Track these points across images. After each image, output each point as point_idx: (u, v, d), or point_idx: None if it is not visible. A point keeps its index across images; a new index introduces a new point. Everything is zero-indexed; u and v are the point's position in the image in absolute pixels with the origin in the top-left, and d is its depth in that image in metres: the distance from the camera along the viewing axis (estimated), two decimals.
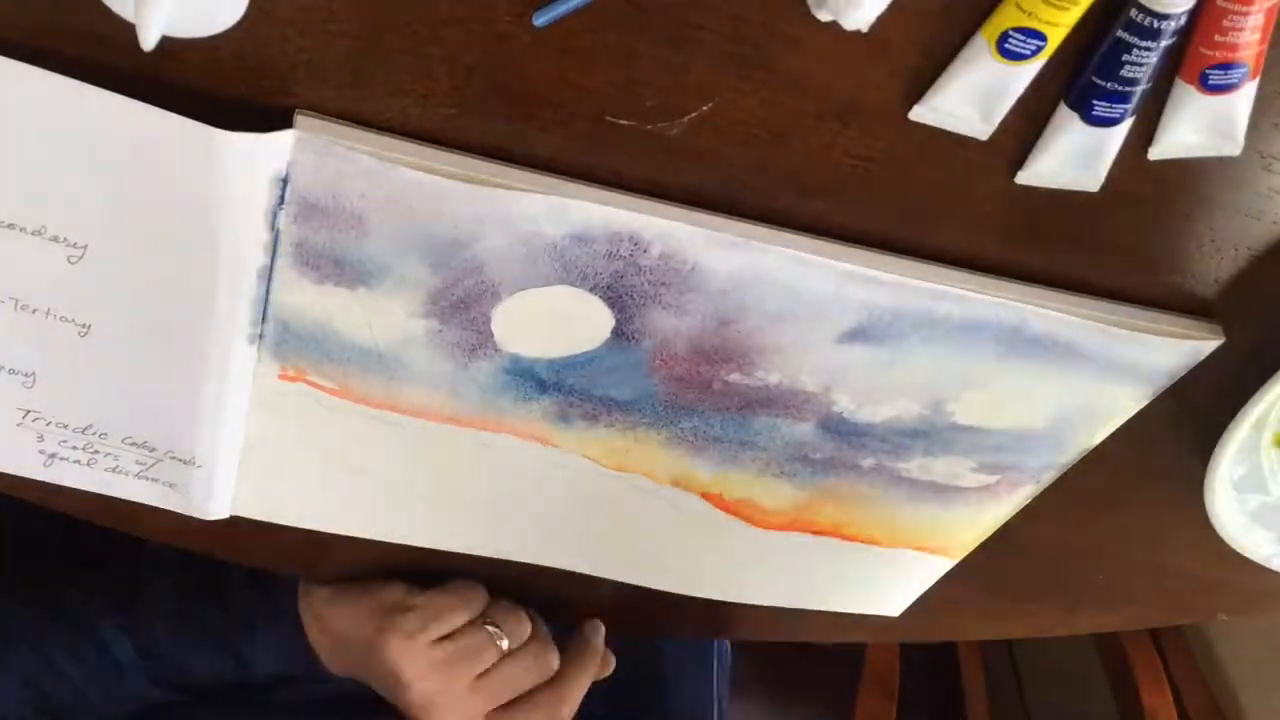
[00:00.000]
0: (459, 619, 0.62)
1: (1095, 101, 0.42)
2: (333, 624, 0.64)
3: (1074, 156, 0.44)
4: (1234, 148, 0.44)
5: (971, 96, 0.42)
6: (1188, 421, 0.57)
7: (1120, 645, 1.15)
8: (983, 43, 0.41)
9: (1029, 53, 0.41)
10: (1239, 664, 1.20)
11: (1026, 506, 0.61)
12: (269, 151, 0.42)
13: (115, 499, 0.57)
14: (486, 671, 0.61)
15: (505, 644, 0.62)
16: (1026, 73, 0.42)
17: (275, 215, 0.44)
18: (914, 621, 0.72)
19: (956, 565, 0.65)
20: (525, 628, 0.63)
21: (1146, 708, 1.09)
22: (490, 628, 0.62)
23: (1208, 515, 0.59)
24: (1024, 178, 0.45)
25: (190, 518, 0.58)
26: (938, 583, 0.67)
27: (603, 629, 0.67)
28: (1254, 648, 1.19)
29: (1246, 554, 0.61)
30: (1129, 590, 0.70)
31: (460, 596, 0.63)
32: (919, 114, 0.43)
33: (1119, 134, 0.44)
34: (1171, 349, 0.51)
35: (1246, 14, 0.40)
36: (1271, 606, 0.71)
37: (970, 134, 0.44)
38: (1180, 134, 0.44)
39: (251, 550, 0.63)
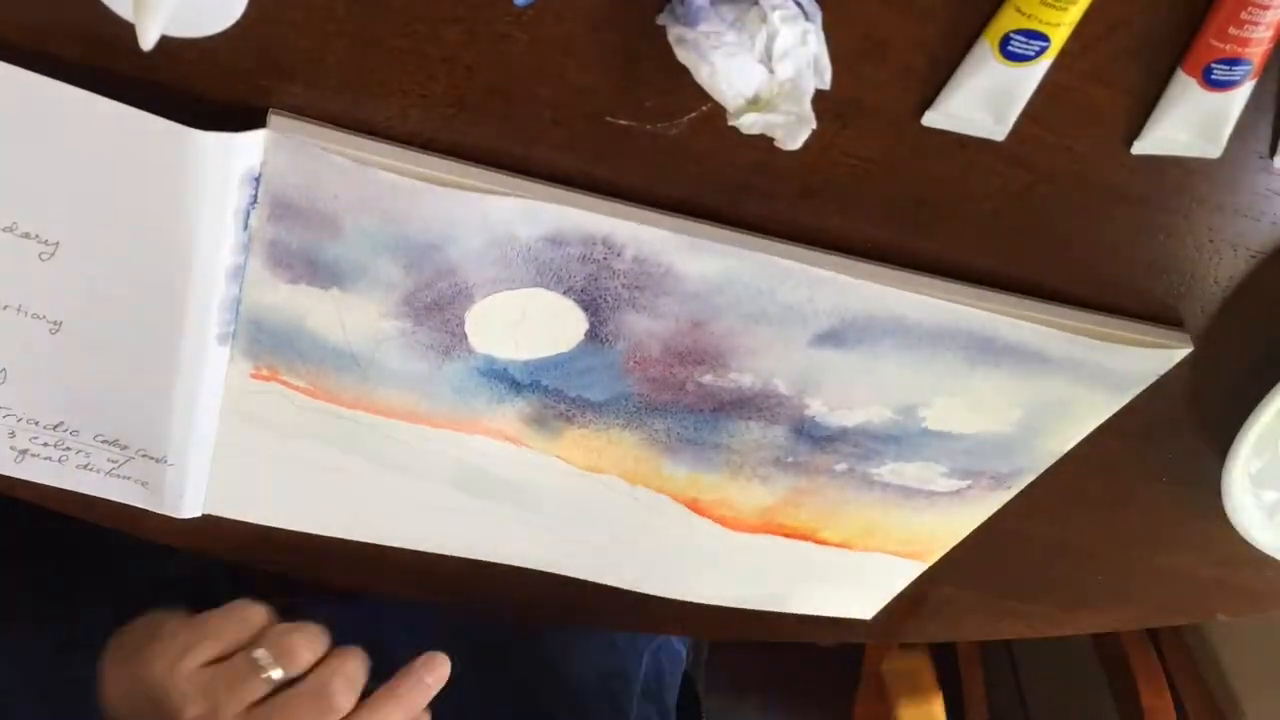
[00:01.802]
0: (225, 642, 0.54)
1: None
2: (121, 668, 0.57)
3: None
4: (1215, 150, 0.44)
5: (982, 100, 0.42)
6: (1189, 421, 0.57)
7: (1120, 646, 1.15)
8: (986, 46, 0.41)
9: (1033, 54, 0.41)
10: (1238, 664, 1.20)
11: (1026, 507, 0.61)
12: (241, 151, 0.42)
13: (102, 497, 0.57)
14: (258, 703, 0.53)
15: (276, 674, 0.53)
16: (1034, 73, 0.42)
17: (248, 215, 0.44)
18: (914, 621, 0.72)
19: (956, 566, 0.65)
20: (305, 656, 0.54)
21: (1145, 708, 1.09)
22: (259, 653, 0.54)
23: (1222, 508, 0.59)
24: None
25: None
26: (937, 583, 0.67)
27: (442, 669, 0.55)
28: (1254, 648, 1.19)
29: (1262, 549, 0.61)
30: (1129, 590, 0.70)
31: (234, 618, 0.55)
32: (932, 120, 0.43)
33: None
34: (1140, 357, 0.51)
35: (1268, 7, 0.39)
36: (1271, 606, 0.71)
37: (986, 136, 0.44)
38: (1168, 129, 0.44)
39: (241, 549, 0.63)
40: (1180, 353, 0.51)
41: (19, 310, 0.48)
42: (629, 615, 0.69)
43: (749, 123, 0.39)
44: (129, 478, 0.56)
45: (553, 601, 0.68)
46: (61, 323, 0.48)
